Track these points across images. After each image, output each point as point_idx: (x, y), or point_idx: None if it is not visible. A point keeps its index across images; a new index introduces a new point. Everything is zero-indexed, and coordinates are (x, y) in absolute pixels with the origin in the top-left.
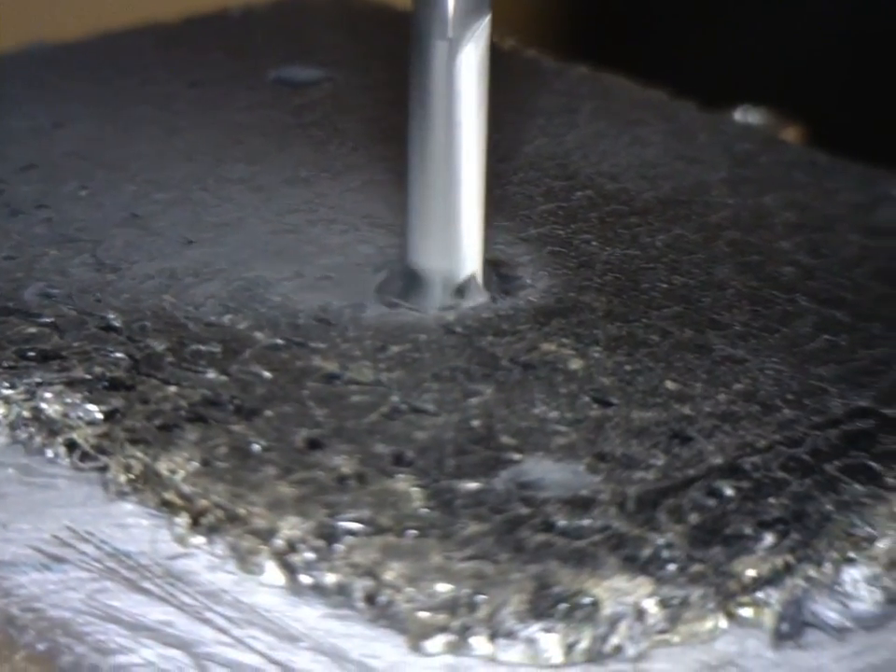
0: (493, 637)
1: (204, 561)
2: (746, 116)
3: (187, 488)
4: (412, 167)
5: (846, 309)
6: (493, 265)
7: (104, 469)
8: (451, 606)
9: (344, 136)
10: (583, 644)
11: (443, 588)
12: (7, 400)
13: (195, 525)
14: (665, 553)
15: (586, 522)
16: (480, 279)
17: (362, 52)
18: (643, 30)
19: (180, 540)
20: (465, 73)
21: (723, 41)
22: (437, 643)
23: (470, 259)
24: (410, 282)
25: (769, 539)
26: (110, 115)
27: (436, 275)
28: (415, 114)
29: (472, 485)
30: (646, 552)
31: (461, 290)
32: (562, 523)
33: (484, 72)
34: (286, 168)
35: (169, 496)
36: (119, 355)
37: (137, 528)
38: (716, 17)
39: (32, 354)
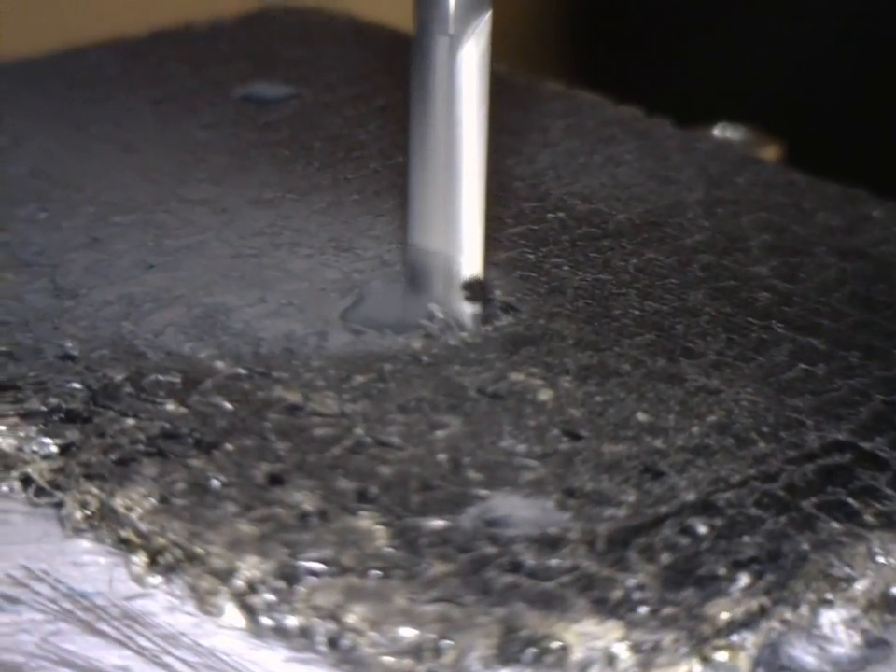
0: None
1: (163, 601)
2: (725, 133)
3: (144, 526)
4: (412, 163)
5: (823, 336)
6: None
7: (59, 504)
8: (416, 650)
9: (310, 156)
10: None
11: (408, 632)
12: None
13: (153, 564)
14: (637, 595)
15: (555, 562)
16: (481, 276)
17: (329, 68)
18: (622, 46)
19: (138, 580)
20: (466, 69)
21: (702, 57)
22: None
23: (471, 255)
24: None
25: (744, 579)
26: (69, 132)
27: (435, 269)
28: (416, 110)
29: (438, 523)
30: (616, 593)
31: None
32: (530, 563)
33: (485, 68)
34: (250, 189)
35: (126, 533)
36: (75, 385)
37: (94, 567)
38: (695, 33)
39: None
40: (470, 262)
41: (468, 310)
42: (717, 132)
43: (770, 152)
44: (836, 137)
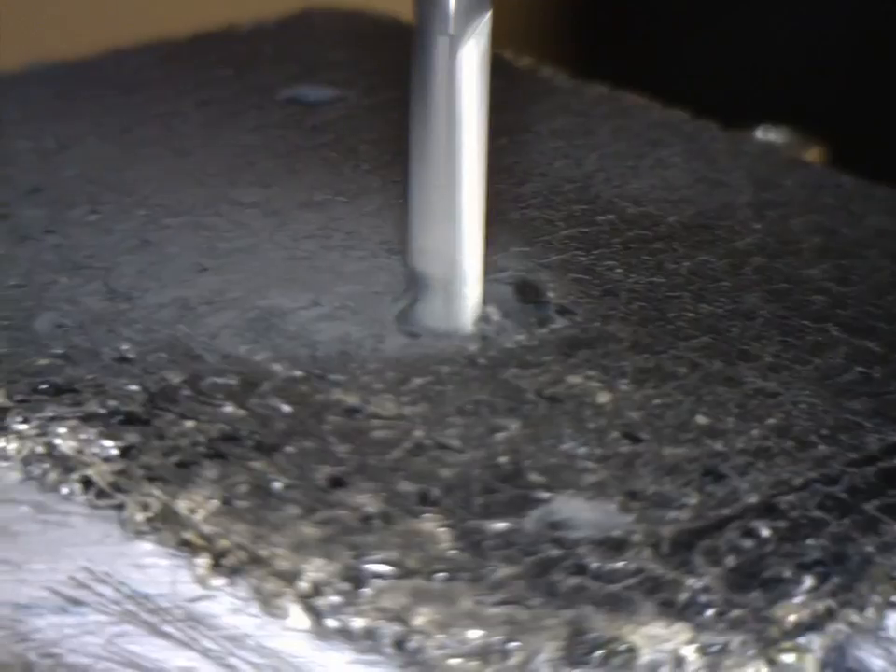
0: None
1: (227, 603)
2: (766, 135)
3: (207, 528)
4: (412, 164)
5: (878, 339)
6: (515, 292)
7: (120, 506)
8: (483, 653)
9: (358, 158)
10: None
11: (475, 634)
12: (19, 435)
13: (216, 566)
14: (703, 598)
15: (620, 564)
16: (479, 277)
17: (373, 70)
18: (655, 48)
19: (201, 582)
20: (466, 69)
21: (740, 59)
22: None
23: (472, 254)
24: (411, 286)
25: (809, 582)
26: (116, 135)
27: (435, 276)
28: (416, 111)
29: (501, 525)
30: (683, 596)
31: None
32: (595, 565)
33: (485, 68)
34: (299, 191)
35: (188, 535)
36: (133, 388)
37: (156, 569)
38: (732, 34)
39: (44, 387)
40: (471, 263)
41: (522, 313)
42: (759, 134)
43: (813, 154)
44: (878, 138)
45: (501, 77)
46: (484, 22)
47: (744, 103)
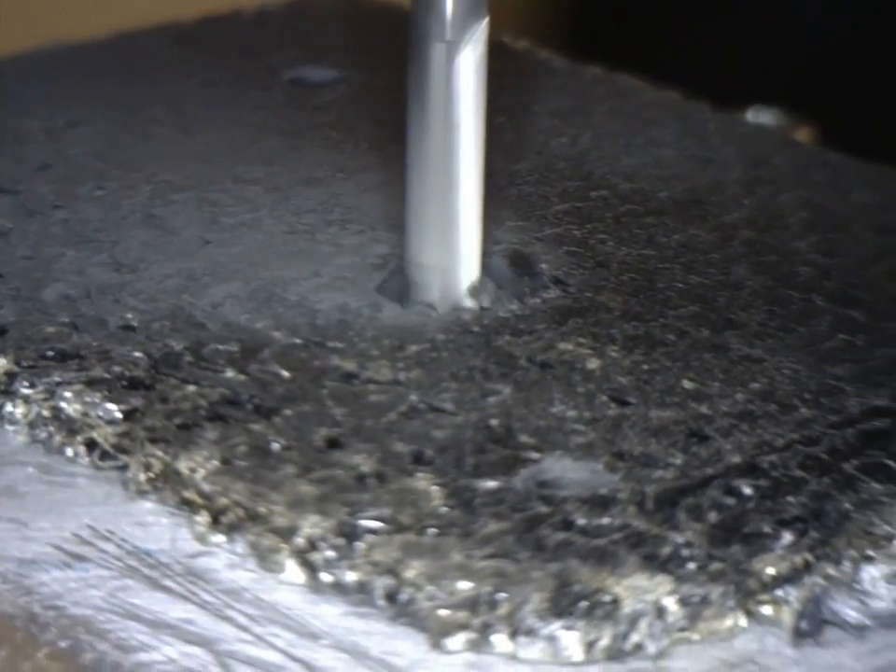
0: (513, 634)
1: (225, 559)
2: (758, 116)
3: (207, 487)
4: (410, 169)
5: (862, 308)
6: (510, 264)
7: (123, 467)
8: (471, 604)
9: (359, 137)
10: (604, 642)
11: (464, 586)
12: (26, 400)
13: (215, 523)
14: (685, 552)
15: (605, 520)
16: (478, 281)
17: (375, 53)
18: (649, 30)
19: (200, 539)
20: (463, 75)
21: (733, 41)
22: (457, 641)
23: (469, 261)
24: (410, 284)
25: (788, 537)
26: (124, 115)
27: (434, 276)
28: (414, 116)
29: (492, 484)
30: (665, 550)
31: (473, 293)
32: (581, 521)
33: (482, 74)
34: (301, 168)
35: (189, 494)
36: (137, 354)
37: (157, 527)
38: (724, 16)
39: (51, 353)
40: (468, 269)
41: (517, 283)
42: (750, 115)
43: (803, 134)
44: (868, 119)
45: (499, 59)
46: (481, 29)
47: (737, 84)
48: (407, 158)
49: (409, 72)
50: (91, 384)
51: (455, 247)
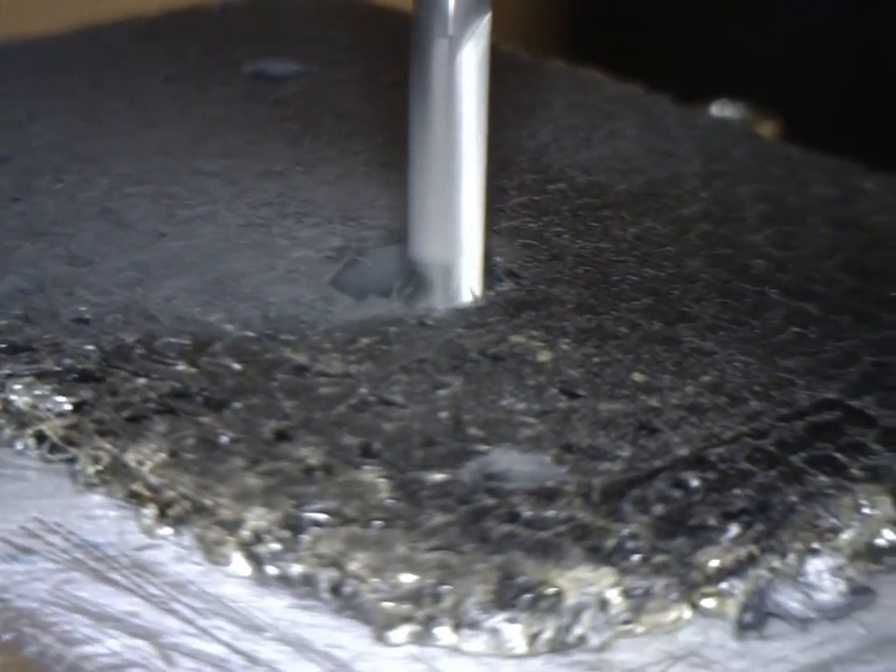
0: (457, 627)
1: (171, 552)
2: (723, 110)
3: (154, 479)
4: (412, 164)
5: (815, 302)
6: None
7: (72, 460)
8: (415, 596)
9: (319, 130)
10: (547, 634)
11: (408, 579)
12: None
13: (162, 516)
14: (630, 544)
15: (551, 513)
16: (480, 277)
17: (338, 47)
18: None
19: (147, 531)
20: (465, 71)
21: (701, 35)
22: (401, 633)
23: (470, 256)
24: (412, 279)
25: (734, 529)
26: (85, 108)
27: (436, 271)
28: (416, 112)
29: (439, 476)
30: (610, 542)
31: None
32: (527, 513)
33: (485, 70)
34: (260, 162)
35: (136, 487)
36: (89, 347)
37: (105, 520)
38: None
39: (2, 346)
40: (470, 259)
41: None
42: (715, 109)
43: (768, 129)
44: (833, 114)
45: None
46: (484, 24)
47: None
48: (409, 155)
49: (410, 68)
50: (42, 376)
51: (457, 243)
